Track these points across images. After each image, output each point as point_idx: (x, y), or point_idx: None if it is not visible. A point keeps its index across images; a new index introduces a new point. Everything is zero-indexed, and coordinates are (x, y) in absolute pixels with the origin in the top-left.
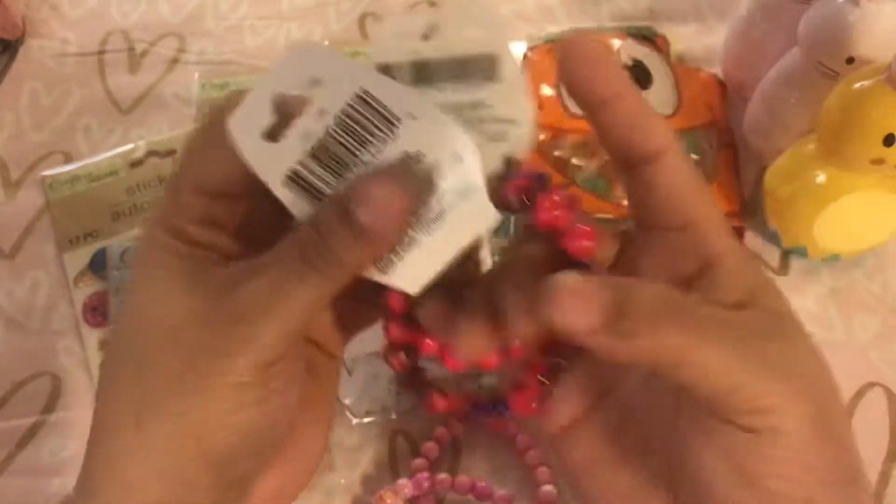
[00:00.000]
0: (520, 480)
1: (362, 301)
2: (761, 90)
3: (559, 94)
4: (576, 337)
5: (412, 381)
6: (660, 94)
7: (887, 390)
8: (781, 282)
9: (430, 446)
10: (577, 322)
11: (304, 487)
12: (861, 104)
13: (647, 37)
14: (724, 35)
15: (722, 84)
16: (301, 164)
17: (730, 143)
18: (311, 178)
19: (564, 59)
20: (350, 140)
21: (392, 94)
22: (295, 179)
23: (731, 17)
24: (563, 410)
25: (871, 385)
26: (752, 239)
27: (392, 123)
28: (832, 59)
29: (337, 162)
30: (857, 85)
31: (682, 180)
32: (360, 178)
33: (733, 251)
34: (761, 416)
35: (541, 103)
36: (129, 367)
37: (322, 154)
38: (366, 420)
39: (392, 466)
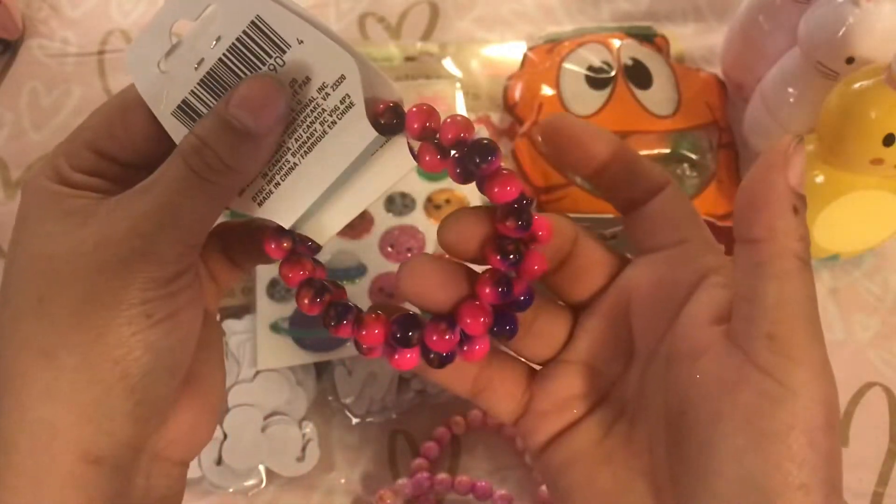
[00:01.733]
0: (520, 480)
1: (248, 239)
2: (761, 90)
3: (559, 94)
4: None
5: (331, 316)
6: (660, 94)
7: (887, 390)
8: None
9: (429, 446)
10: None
11: (211, 436)
12: (861, 104)
13: (647, 37)
14: (723, 35)
15: (722, 84)
16: (192, 93)
17: (729, 143)
18: (200, 106)
19: (550, 144)
20: (241, 67)
21: (283, 21)
22: (185, 110)
23: (731, 17)
24: (554, 421)
25: (870, 385)
26: None
27: (281, 49)
28: (832, 59)
29: (226, 90)
30: (857, 85)
31: (679, 207)
32: (235, 86)
33: (724, 266)
34: (787, 363)
35: (541, 103)
36: (28, 306)
37: (213, 82)
38: (366, 420)
39: (392, 466)
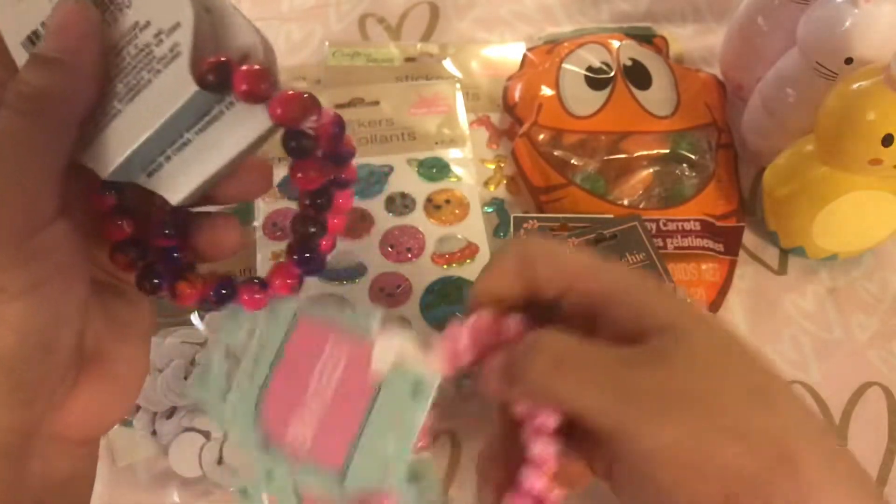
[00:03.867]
0: None
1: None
2: (760, 90)
3: (559, 95)
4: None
5: (147, 278)
6: (659, 95)
7: (885, 389)
8: (780, 281)
9: None
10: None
11: (123, 415)
12: (859, 105)
13: (646, 37)
14: (722, 36)
15: (721, 84)
16: (43, 24)
17: (728, 144)
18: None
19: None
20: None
21: None
22: (34, 40)
23: (730, 17)
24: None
25: (869, 384)
26: (750, 239)
27: None
28: (830, 59)
29: None
30: (856, 86)
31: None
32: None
33: (629, 292)
34: (632, 442)
35: (541, 103)
36: None
37: None
38: None
39: None
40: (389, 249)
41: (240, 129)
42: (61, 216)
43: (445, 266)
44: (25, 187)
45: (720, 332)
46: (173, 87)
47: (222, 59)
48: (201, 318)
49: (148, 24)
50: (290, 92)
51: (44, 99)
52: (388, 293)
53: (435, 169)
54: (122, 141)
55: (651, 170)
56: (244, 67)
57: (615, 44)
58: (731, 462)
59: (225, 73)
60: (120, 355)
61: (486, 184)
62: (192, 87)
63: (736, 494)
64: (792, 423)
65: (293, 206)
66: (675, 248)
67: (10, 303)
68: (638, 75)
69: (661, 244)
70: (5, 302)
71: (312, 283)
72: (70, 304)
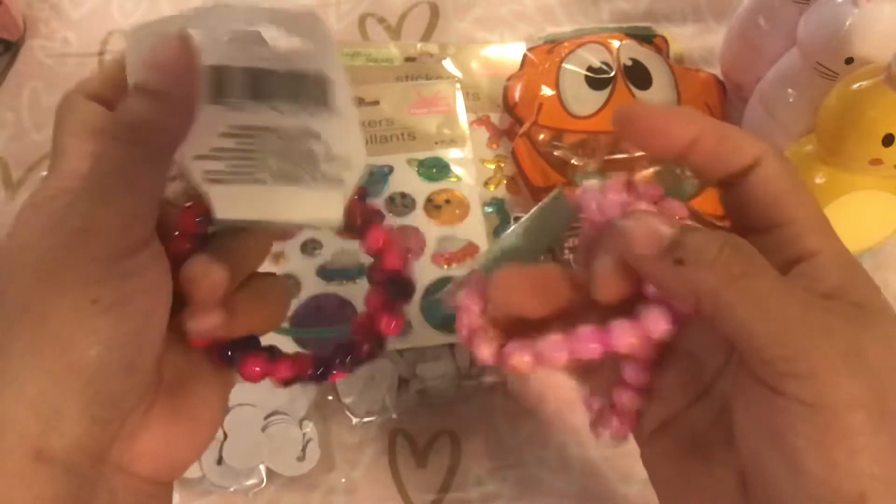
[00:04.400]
0: (520, 480)
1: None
2: (760, 90)
3: (559, 95)
4: (638, 263)
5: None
6: (659, 95)
7: None
8: None
9: None
10: (640, 248)
11: (194, 458)
12: (860, 105)
13: (646, 37)
14: (723, 35)
15: (721, 84)
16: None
17: None
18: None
19: (627, 136)
20: (285, 90)
21: (339, 89)
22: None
23: (730, 17)
24: (659, 410)
25: None
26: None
27: (324, 105)
28: (831, 59)
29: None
30: (856, 85)
31: (777, 186)
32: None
33: (829, 249)
34: (800, 381)
35: (541, 103)
36: None
37: (256, 80)
38: (366, 420)
39: (392, 466)
40: None
41: (316, 206)
42: (152, 242)
43: (446, 266)
44: (124, 210)
45: None
46: (323, 205)
47: (372, 209)
48: None
49: (326, 142)
50: (399, 247)
51: (144, 128)
52: None
53: (435, 169)
54: (253, 207)
55: (651, 170)
56: (386, 248)
57: (615, 44)
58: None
59: (367, 223)
60: (197, 394)
61: (486, 184)
62: (338, 218)
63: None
64: None
65: None
66: None
67: (100, 315)
68: (638, 75)
69: None
70: (95, 314)
71: (313, 283)
72: (154, 326)
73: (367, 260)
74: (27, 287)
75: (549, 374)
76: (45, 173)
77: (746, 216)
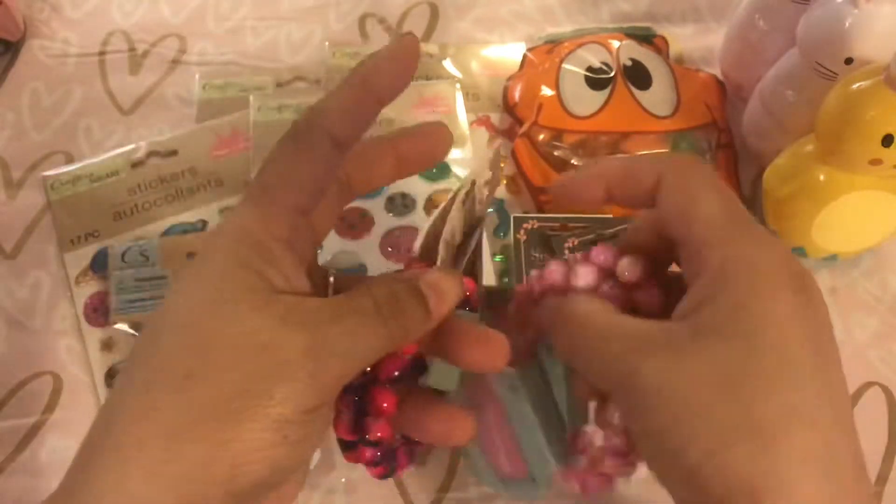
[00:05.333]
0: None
1: None
2: (760, 91)
3: (558, 95)
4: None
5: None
6: (659, 95)
7: (886, 389)
8: None
9: None
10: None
11: None
12: (859, 105)
13: (646, 37)
14: (722, 36)
15: (721, 84)
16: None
17: (728, 144)
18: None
19: (565, 203)
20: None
21: None
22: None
23: (730, 17)
24: None
25: (869, 384)
26: None
27: None
28: (830, 59)
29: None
30: (856, 86)
31: (672, 203)
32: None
33: (713, 261)
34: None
35: (541, 103)
36: (174, 378)
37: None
38: None
39: None
40: (390, 250)
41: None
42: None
43: None
44: (346, 377)
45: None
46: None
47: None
48: None
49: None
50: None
51: (402, 336)
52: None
53: (435, 169)
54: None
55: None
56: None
57: (615, 44)
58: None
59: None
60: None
61: (486, 184)
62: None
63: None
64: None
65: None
66: None
67: (281, 447)
68: (638, 75)
69: None
70: (278, 447)
71: None
72: (312, 453)
73: (367, 259)
74: (228, 394)
75: None
76: (45, 173)
77: (667, 237)
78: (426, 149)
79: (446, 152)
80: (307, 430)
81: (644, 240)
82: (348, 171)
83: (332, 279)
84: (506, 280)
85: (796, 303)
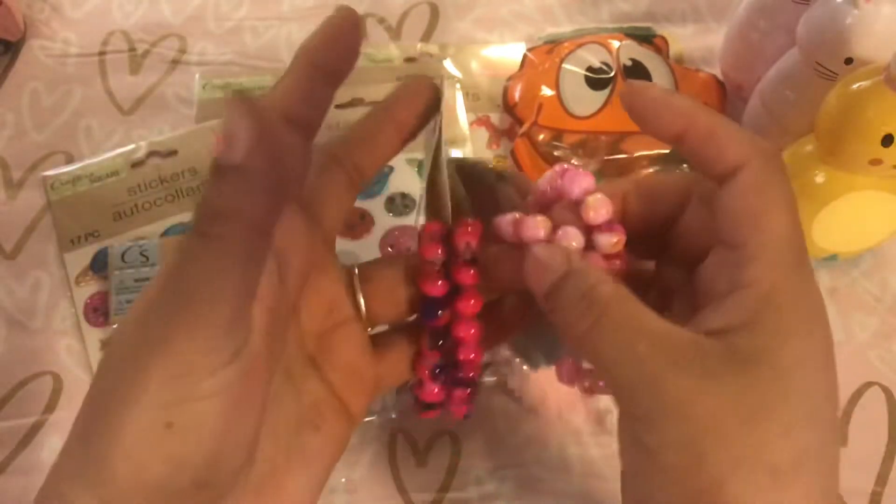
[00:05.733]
0: (520, 480)
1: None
2: (760, 91)
3: (559, 95)
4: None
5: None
6: None
7: (886, 390)
8: None
9: None
10: (531, 283)
11: None
12: (859, 105)
13: (646, 37)
14: (722, 36)
15: (721, 84)
16: None
17: None
18: None
19: (630, 108)
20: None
21: None
22: None
23: (730, 17)
24: None
25: (869, 385)
26: None
27: None
28: (830, 59)
29: None
30: (856, 86)
31: (746, 201)
32: None
33: (765, 282)
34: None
35: (541, 103)
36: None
37: None
38: (366, 420)
39: (392, 466)
40: (389, 250)
41: None
42: (242, 354)
43: None
44: (202, 322)
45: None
46: None
47: None
48: None
49: None
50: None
51: (220, 218)
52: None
53: None
54: None
55: (651, 170)
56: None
57: (615, 44)
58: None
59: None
60: (291, 479)
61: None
62: None
63: None
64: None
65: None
66: None
67: (174, 437)
68: (638, 75)
69: None
70: (168, 437)
71: None
72: (236, 443)
73: (367, 259)
74: (108, 390)
75: (551, 375)
76: (45, 173)
77: (717, 226)
78: (420, 106)
79: (439, 102)
80: (194, 416)
81: (636, 211)
82: (354, 160)
83: (356, 270)
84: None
85: (825, 350)
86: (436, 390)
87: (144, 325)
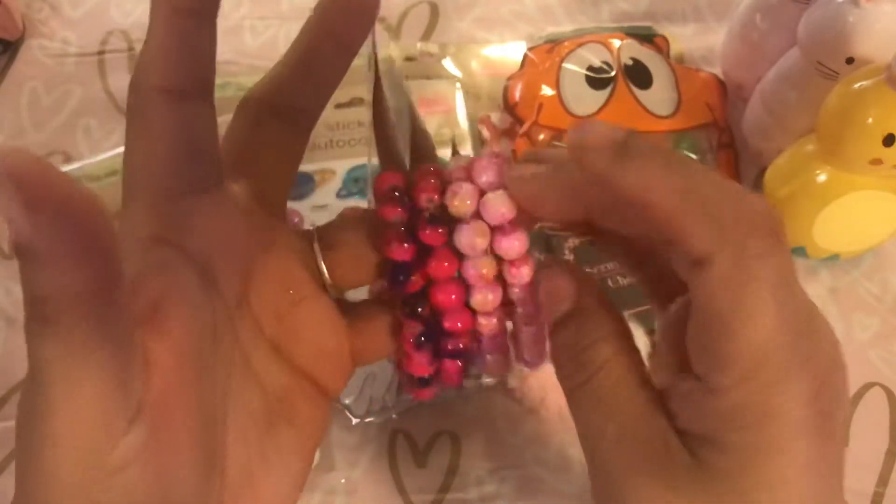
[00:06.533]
0: (520, 480)
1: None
2: (761, 90)
3: (559, 94)
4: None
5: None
6: (660, 94)
7: (886, 390)
8: None
9: None
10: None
11: None
12: (860, 104)
13: (646, 37)
14: (723, 35)
15: (722, 84)
16: None
17: (729, 144)
18: None
19: (528, 196)
20: None
21: None
22: None
23: (731, 17)
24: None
25: (870, 385)
26: None
27: None
28: (832, 59)
29: None
30: (857, 85)
31: (716, 304)
32: None
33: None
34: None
35: (541, 103)
36: None
37: None
38: (366, 420)
39: (392, 466)
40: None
41: None
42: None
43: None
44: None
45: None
46: None
47: None
48: None
49: None
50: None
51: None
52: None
53: None
54: None
55: None
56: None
57: (616, 43)
58: None
59: None
60: (268, 482)
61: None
62: None
63: None
64: None
65: None
66: None
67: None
68: (639, 75)
69: None
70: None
71: None
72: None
73: None
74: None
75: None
76: None
77: (689, 321)
78: (356, 12)
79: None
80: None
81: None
82: (292, 102)
83: (315, 237)
84: None
85: (807, 463)
86: (425, 362)
87: (27, 425)
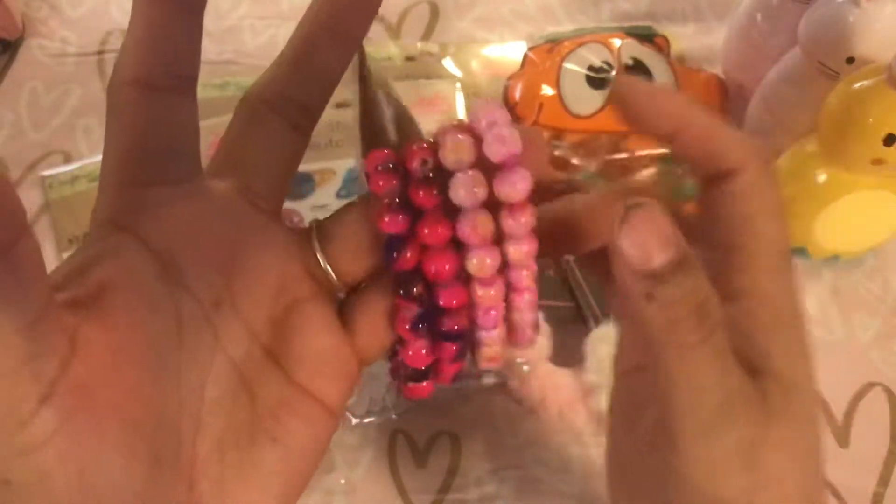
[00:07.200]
0: (520, 480)
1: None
2: (761, 90)
3: (559, 94)
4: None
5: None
6: None
7: (887, 390)
8: None
9: None
10: (628, 258)
11: None
12: (861, 104)
13: (647, 37)
14: (724, 35)
15: (722, 84)
16: None
17: None
18: None
19: (623, 105)
20: None
21: None
22: None
23: (731, 17)
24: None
25: (871, 385)
26: None
27: None
28: (832, 59)
29: None
30: (857, 85)
31: (744, 205)
32: None
33: (764, 295)
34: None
35: (541, 103)
36: None
37: None
38: (365, 420)
39: (392, 466)
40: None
41: None
42: (54, 396)
43: None
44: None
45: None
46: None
47: None
48: None
49: None
50: None
51: None
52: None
53: None
54: None
55: (651, 169)
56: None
57: (616, 43)
58: None
59: None
60: (244, 498)
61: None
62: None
63: None
64: None
65: None
66: None
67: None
68: (639, 75)
69: None
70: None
71: None
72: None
73: None
74: None
75: (550, 375)
76: (43, 173)
77: (712, 227)
78: (356, 4)
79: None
80: (28, 472)
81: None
82: (292, 96)
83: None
84: None
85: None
86: (423, 350)
87: None
